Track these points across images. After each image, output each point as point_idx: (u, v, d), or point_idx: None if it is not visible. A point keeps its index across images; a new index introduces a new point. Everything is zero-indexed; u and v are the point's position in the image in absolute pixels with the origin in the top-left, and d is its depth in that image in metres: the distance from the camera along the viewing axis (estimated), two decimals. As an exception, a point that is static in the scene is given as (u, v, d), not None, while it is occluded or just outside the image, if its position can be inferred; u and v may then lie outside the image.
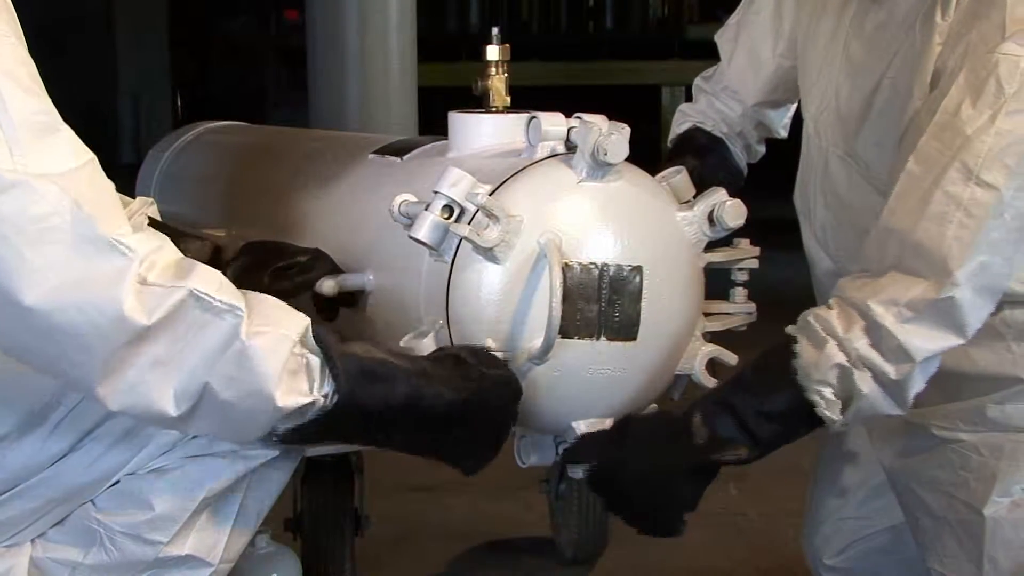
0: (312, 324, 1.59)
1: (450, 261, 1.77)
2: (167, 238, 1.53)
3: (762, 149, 2.48)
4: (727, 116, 2.42)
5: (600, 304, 1.75)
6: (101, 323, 1.44)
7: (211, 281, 1.50)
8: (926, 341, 1.69)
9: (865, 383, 1.70)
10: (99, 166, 1.51)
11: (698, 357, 1.86)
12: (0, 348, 1.52)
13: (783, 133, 2.46)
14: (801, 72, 2.21)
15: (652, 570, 2.96)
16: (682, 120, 2.45)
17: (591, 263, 1.75)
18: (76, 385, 1.55)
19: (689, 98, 2.52)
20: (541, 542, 3.22)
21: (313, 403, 1.55)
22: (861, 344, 1.69)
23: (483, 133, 1.98)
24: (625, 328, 1.77)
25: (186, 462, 1.73)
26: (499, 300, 1.75)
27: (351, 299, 1.97)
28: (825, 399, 1.71)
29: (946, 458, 1.96)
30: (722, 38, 2.44)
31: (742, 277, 1.94)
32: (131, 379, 1.48)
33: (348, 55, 5.52)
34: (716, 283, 1.93)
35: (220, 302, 1.49)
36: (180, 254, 1.52)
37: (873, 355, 1.69)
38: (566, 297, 1.72)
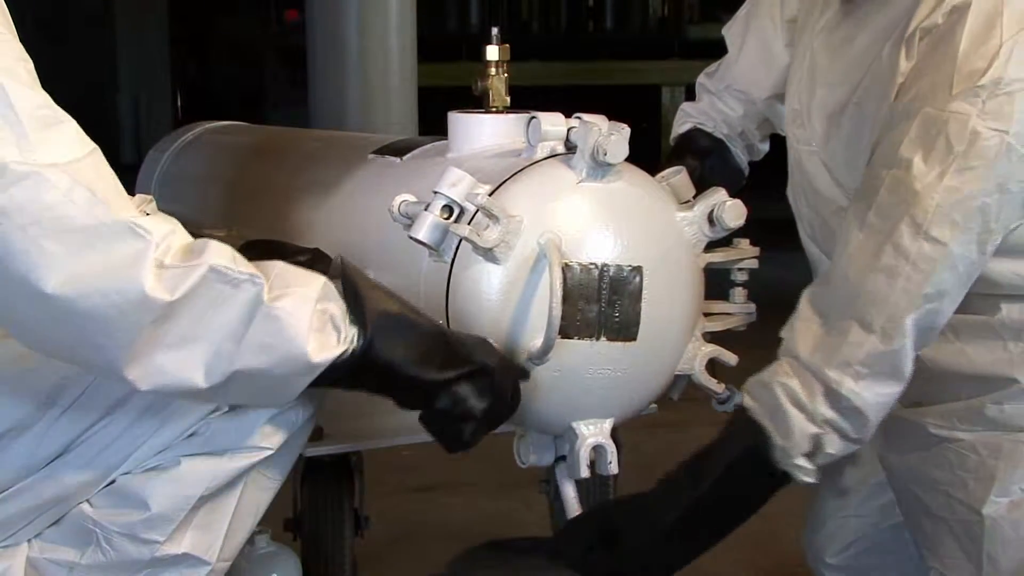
0: (344, 264, 1.62)
1: (450, 261, 1.77)
2: (177, 221, 1.54)
3: (765, 147, 2.47)
4: (728, 117, 2.41)
5: (600, 304, 1.75)
6: (124, 306, 1.45)
7: (225, 255, 1.52)
8: (877, 396, 1.77)
9: (832, 445, 1.78)
10: (102, 155, 1.51)
11: (698, 357, 1.86)
12: (22, 341, 1.53)
13: (787, 129, 2.46)
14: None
15: (652, 570, 2.96)
16: (683, 120, 2.44)
17: (591, 263, 1.75)
18: (102, 371, 1.55)
19: (689, 98, 2.51)
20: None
21: (343, 352, 1.57)
22: (824, 409, 1.76)
23: (483, 133, 1.98)
24: (625, 328, 1.77)
25: (182, 461, 1.73)
26: (499, 300, 1.75)
27: (351, 299, 1.97)
28: (803, 468, 1.79)
29: (944, 458, 1.96)
30: (730, 31, 2.41)
31: (742, 277, 1.95)
32: (158, 359, 1.49)
33: (348, 55, 5.51)
34: (716, 283, 1.92)
35: (239, 272, 1.51)
36: (191, 237, 1.53)
37: (836, 417, 1.77)
38: (566, 297, 1.71)
